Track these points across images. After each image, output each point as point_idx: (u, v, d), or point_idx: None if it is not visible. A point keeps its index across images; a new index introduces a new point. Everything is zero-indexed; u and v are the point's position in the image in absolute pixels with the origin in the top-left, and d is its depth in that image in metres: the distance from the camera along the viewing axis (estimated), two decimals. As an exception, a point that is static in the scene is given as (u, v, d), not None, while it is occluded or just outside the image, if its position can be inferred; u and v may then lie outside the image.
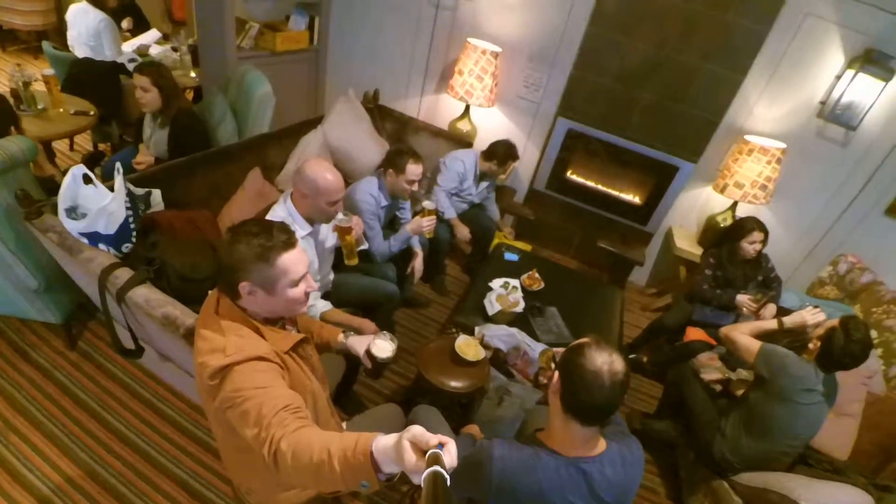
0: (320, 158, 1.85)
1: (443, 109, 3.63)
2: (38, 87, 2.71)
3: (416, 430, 0.75)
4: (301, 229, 1.82)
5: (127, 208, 1.80)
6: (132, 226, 1.82)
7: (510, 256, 2.78)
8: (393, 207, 2.55)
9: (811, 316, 1.98)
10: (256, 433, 0.93)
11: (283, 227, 1.15)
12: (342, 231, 1.98)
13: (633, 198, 3.45)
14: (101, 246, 1.72)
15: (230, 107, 2.98)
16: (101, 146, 3.35)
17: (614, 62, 3.02)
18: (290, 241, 1.13)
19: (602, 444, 1.17)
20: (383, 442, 0.78)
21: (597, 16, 2.94)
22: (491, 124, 3.52)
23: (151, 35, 3.98)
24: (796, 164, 2.91)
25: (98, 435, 1.90)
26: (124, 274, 1.62)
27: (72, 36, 3.35)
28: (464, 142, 3.29)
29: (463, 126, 3.43)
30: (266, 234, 1.10)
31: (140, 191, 2.00)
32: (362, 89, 3.32)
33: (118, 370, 2.16)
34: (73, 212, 1.72)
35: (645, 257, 3.35)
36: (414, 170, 2.30)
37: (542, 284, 2.64)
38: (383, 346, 1.50)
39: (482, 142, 3.09)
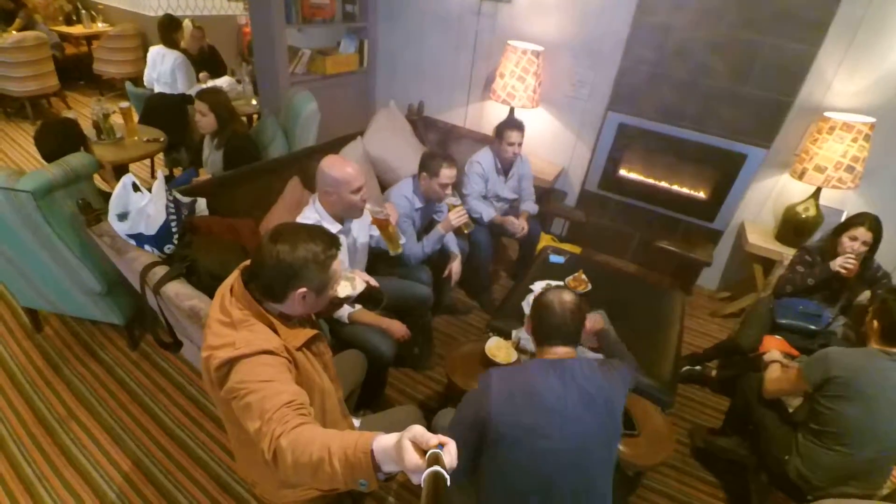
0: (335, 155, 1.89)
1: (488, 116, 3.60)
2: (117, 118, 3.06)
3: (417, 430, 0.75)
4: (332, 228, 1.85)
5: (171, 213, 1.93)
6: (174, 229, 1.94)
7: (556, 259, 2.63)
8: (428, 211, 2.53)
9: None
10: (258, 427, 0.93)
11: (326, 233, 1.18)
12: (381, 223, 2.02)
13: (697, 193, 3.15)
14: (146, 247, 1.86)
15: (281, 127, 3.18)
16: (175, 171, 3.70)
17: (666, 48, 2.83)
18: (338, 246, 1.18)
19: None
20: (384, 441, 0.78)
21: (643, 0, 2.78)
22: (536, 126, 3.43)
23: (225, 80, 4.36)
24: (889, 140, 2.50)
25: (148, 428, 2.03)
26: (161, 271, 1.73)
27: (150, 75, 3.77)
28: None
29: (507, 129, 3.37)
30: (318, 240, 1.13)
31: (186, 199, 2.15)
32: (408, 103, 3.39)
33: (172, 369, 2.31)
34: (124, 217, 1.89)
35: (713, 258, 3.02)
36: (447, 173, 2.27)
37: (589, 286, 2.45)
38: (344, 287, 1.40)
39: (528, 145, 2.99)
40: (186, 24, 4.13)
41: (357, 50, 3.92)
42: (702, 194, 3.13)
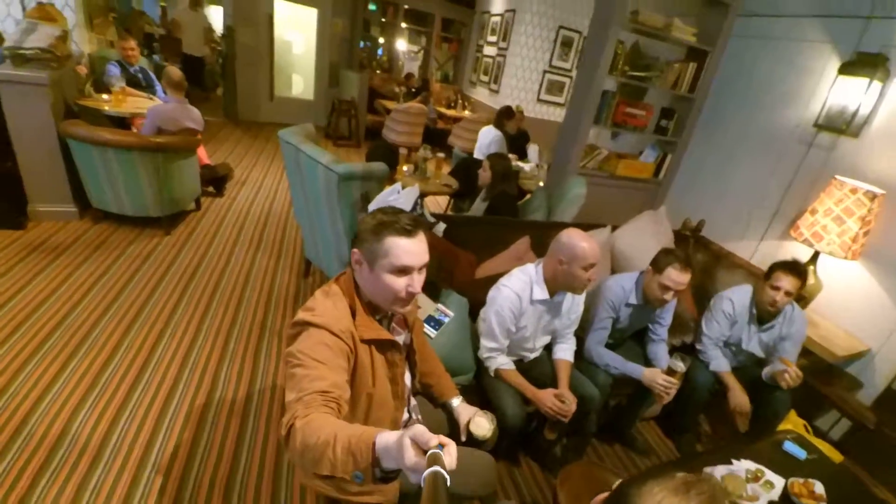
0: (576, 228, 1.84)
1: (783, 258, 2.90)
2: (432, 164, 3.85)
3: (418, 429, 0.75)
4: (538, 293, 1.82)
5: (411, 220, 2.28)
6: (407, 233, 2.27)
7: (794, 449, 1.80)
8: (642, 313, 2.17)
9: None
10: (290, 400, 0.98)
11: (413, 217, 1.14)
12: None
13: None
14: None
15: (547, 202, 3.37)
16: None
17: None
18: (407, 230, 1.10)
19: None
20: (385, 437, 0.79)
21: None
22: (845, 282, 2.56)
23: (528, 164, 4.97)
24: None
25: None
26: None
27: (476, 145, 4.62)
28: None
29: (804, 279, 2.63)
30: (392, 214, 1.12)
31: (431, 218, 2.48)
32: (689, 217, 3.09)
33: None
34: (380, 210, 2.33)
35: None
36: (674, 275, 1.95)
37: (829, 506, 1.58)
38: (482, 424, 1.39)
39: (825, 302, 2.26)
40: (518, 110, 4.92)
41: (656, 160, 3.84)
42: None
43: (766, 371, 2.17)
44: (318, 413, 0.92)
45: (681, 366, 1.90)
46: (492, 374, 1.87)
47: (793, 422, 2.25)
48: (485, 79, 7.03)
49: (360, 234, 1.14)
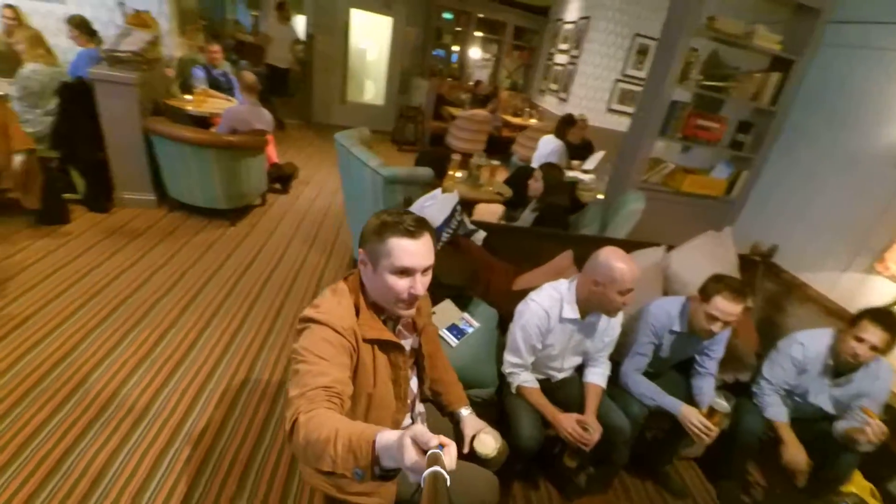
0: (617, 248, 1.72)
1: (866, 295, 2.55)
2: (486, 171, 3.82)
3: (418, 429, 0.76)
4: (568, 311, 1.73)
5: (448, 225, 2.26)
6: (443, 237, 2.25)
7: None
8: (688, 343, 1.99)
9: None
10: (294, 395, 0.99)
11: (417, 218, 1.12)
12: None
13: None
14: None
15: (601, 216, 3.22)
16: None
17: None
18: (410, 231, 1.09)
19: None
20: (386, 436, 0.80)
21: None
22: None
23: (589, 175, 4.78)
24: None
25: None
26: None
27: (535, 155, 4.52)
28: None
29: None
30: (397, 215, 1.11)
31: (471, 225, 2.45)
32: (755, 240, 2.82)
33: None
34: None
35: None
36: (723, 305, 1.76)
37: None
38: (486, 442, 1.31)
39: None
40: (580, 118, 4.75)
41: (729, 178, 3.55)
42: None
43: (838, 426, 1.89)
44: (320, 409, 0.93)
45: (724, 406, 1.72)
46: (513, 390, 1.79)
47: (858, 484, 1.96)
48: (554, 87, 6.89)
49: (364, 235, 1.14)
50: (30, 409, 1.87)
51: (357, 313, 1.16)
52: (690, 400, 1.93)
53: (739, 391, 2.14)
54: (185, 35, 4.48)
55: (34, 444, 1.74)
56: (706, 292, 1.81)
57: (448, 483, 0.66)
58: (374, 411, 1.22)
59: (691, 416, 1.76)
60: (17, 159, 2.64)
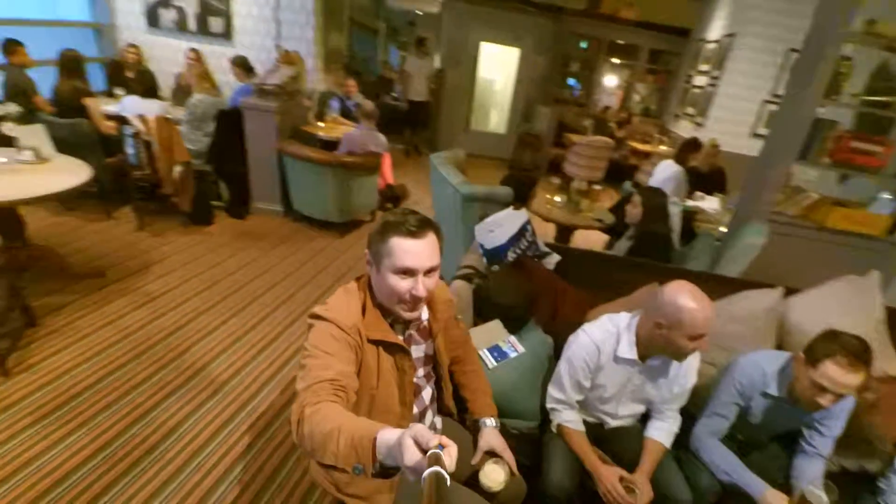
0: (688, 283, 1.43)
1: None
2: (586, 196, 3.62)
3: (419, 428, 0.76)
4: (624, 350, 1.51)
5: (516, 244, 2.19)
6: (509, 256, 2.18)
7: None
8: (790, 412, 1.56)
9: None
10: (301, 389, 1.02)
11: (421, 218, 1.11)
12: None
13: None
14: (482, 255, 2.20)
15: (714, 249, 2.82)
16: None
17: None
18: (412, 230, 1.08)
19: None
20: (387, 435, 0.80)
21: None
22: None
23: (713, 202, 4.21)
24: None
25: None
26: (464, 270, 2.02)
27: (650, 181, 4.15)
28: None
29: None
30: (401, 215, 1.11)
31: (544, 248, 2.34)
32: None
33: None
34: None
35: None
36: (834, 373, 1.35)
37: None
38: (491, 474, 1.22)
39: None
40: (707, 144, 4.25)
41: (893, 214, 2.84)
42: None
43: None
44: (326, 402, 0.95)
45: (821, 498, 1.33)
46: (553, 428, 1.61)
47: None
48: (690, 111, 6.29)
49: (369, 235, 1.16)
50: (141, 364, 2.29)
51: (364, 313, 1.17)
52: (787, 483, 1.54)
53: (862, 484, 1.65)
54: (328, 71, 5.13)
55: (133, 394, 2.12)
56: (813, 354, 1.41)
57: (448, 483, 0.66)
58: (377, 414, 1.20)
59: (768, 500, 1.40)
60: (177, 169, 3.28)
